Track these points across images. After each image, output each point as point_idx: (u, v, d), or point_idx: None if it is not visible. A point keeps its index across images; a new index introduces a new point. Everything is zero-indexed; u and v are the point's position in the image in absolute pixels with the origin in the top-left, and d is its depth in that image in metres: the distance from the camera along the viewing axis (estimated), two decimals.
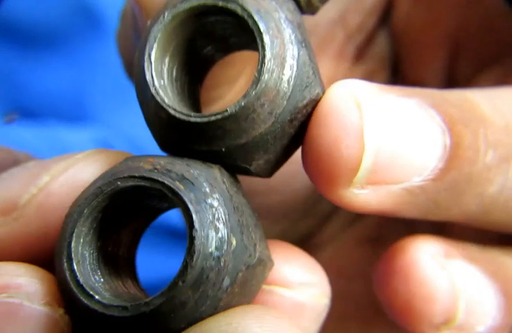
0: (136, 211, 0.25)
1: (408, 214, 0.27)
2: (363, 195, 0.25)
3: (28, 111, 0.66)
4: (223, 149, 0.24)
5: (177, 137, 0.24)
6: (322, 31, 0.34)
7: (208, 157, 0.24)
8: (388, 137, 0.25)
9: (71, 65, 0.66)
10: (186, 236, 0.23)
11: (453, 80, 0.36)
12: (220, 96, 0.32)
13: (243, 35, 0.25)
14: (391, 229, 0.36)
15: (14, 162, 0.29)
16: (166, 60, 0.25)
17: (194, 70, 0.27)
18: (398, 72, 0.37)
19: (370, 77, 0.37)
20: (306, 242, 0.38)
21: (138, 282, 0.26)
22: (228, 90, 0.32)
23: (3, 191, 0.27)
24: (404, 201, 0.26)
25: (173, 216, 0.61)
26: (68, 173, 0.26)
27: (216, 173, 0.24)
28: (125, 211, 0.25)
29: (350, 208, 0.26)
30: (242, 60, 0.31)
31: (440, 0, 0.34)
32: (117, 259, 0.25)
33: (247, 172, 0.25)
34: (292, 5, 0.25)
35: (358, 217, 0.38)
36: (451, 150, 0.26)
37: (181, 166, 0.24)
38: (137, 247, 0.26)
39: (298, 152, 0.26)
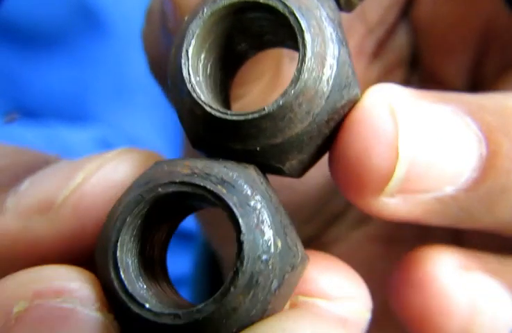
0: (173, 212, 0.25)
1: (438, 223, 0.27)
2: (392, 203, 0.25)
3: (28, 110, 0.65)
4: (258, 148, 0.24)
5: (211, 134, 0.24)
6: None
7: (242, 156, 0.24)
8: (423, 146, 0.24)
9: (71, 65, 0.66)
10: (234, 240, 0.22)
11: (477, 79, 0.36)
12: (244, 94, 0.32)
13: (280, 33, 0.25)
14: (403, 229, 0.36)
15: (44, 162, 0.29)
16: (202, 56, 0.25)
17: (227, 66, 0.27)
18: (417, 68, 0.37)
19: (388, 72, 0.36)
20: (316, 240, 0.37)
21: (172, 284, 0.26)
22: (252, 88, 0.32)
23: (39, 190, 0.27)
24: (435, 210, 0.26)
25: None
26: (100, 173, 0.26)
27: (253, 173, 0.24)
28: (164, 214, 0.25)
29: (379, 216, 0.25)
30: (271, 58, 0.31)
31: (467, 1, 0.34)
32: (153, 263, 0.25)
33: (279, 172, 0.25)
34: (333, 3, 0.25)
35: (369, 216, 0.38)
36: (488, 159, 0.25)
37: (219, 169, 0.23)
38: (168, 247, 0.26)
39: None
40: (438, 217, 0.26)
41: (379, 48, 0.36)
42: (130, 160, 0.27)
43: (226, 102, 0.27)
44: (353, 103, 0.25)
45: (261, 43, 0.27)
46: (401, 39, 0.36)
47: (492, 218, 0.27)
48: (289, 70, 0.32)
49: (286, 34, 0.24)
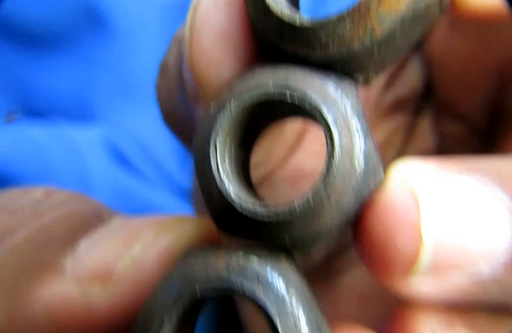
0: (209, 303, 0.25)
1: (474, 301, 0.26)
2: (422, 285, 0.24)
3: (34, 110, 0.65)
4: (287, 240, 0.24)
5: (239, 225, 0.24)
6: None
7: (271, 245, 0.24)
8: (449, 227, 0.23)
9: (76, 64, 0.65)
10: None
11: (498, 112, 0.35)
12: (254, 166, 0.31)
13: (302, 114, 0.25)
14: None
15: (95, 214, 0.30)
16: (227, 142, 0.25)
17: (247, 141, 0.27)
18: (430, 99, 0.36)
19: (399, 104, 0.36)
20: (326, 266, 0.37)
21: None
22: (272, 153, 0.32)
23: (97, 255, 0.27)
24: (470, 289, 0.24)
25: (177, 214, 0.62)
26: (158, 243, 0.26)
27: (285, 263, 0.24)
28: (198, 312, 0.25)
29: (410, 297, 0.25)
30: (274, 130, 0.31)
31: (490, 31, 0.32)
32: None
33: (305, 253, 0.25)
34: (355, 89, 0.25)
35: None
36: None
37: (254, 264, 0.24)
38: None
39: None
40: (475, 296, 0.25)
41: (391, 81, 0.35)
42: (185, 231, 0.27)
43: (248, 175, 0.27)
44: (378, 186, 0.25)
45: (283, 119, 0.27)
46: (413, 71, 0.35)
47: None
48: (312, 130, 0.32)
49: (309, 116, 0.24)
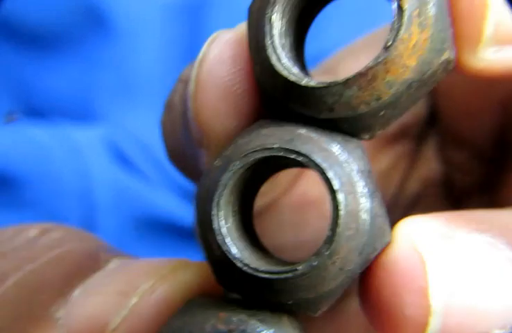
0: None
1: None
2: None
3: (35, 110, 0.65)
4: (290, 302, 0.24)
5: (241, 284, 0.24)
6: None
7: (274, 307, 0.24)
8: (458, 291, 0.23)
9: (77, 64, 0.65)
10: None
11: (504, 141, 0.34)
12: (267, 192, 0.32)
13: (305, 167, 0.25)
14: None
15: (92, 256, 0.29)
16: (231, 199, 0.25)
17: (250, 193, 0.27)
18: (436, 126, 0.36)
19: (404, 130, 0.36)
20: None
21: None
22: (267, 188, 0.31)
23: (92, 307, 0.26)
24: None
25: (178, 214, 0.62)
26: (155, 295, 0.26)
27: (288, 326, 0.24)
28: None
29: None
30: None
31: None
32: None
33: (309, 316, 0.25)
34: (361, 151, 0.25)
35: None
36: None
37: (254, 325, 0.23)
38: None
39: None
40: None
41: None
42: (185, 279, 0.26)
43: (253, 228, 0.27)
44: (385, 247, 0.24)
45: (284, 169, 0.27)
46: None
47: None
48: None
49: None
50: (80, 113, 0.65)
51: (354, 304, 0.36)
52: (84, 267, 0.28)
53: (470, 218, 0.24)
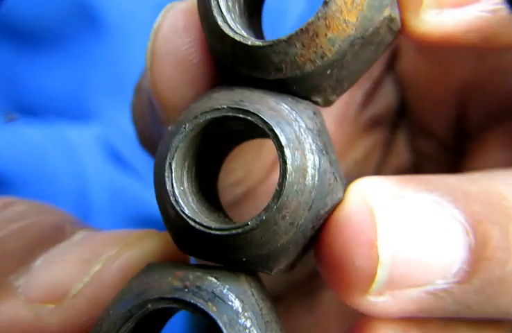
0: (160, 325, 0.25)
1: (437, 316, 0.26)
2: (382, 302, 0.25)
3: (29, 109, 0.65)
4: (244, 259, 0.24)
5: (196, 244, 0.24)
6: None
7: (228, 265, 0.25)
8: (405, 243, 0.24)
9: (71, 63, 0.65)
10: None
11: (463, 130, 0.36)
12: (235, 183, 0.32)
13: (259, 132, 0.25)
14: None
15: (57, 229, 0.29)
16: (186, 163, 0.25)
17: (211, 163, 0.27)
18: (404, 118, 0.37)
19: (375, 122, 0.37)
20: (312, 280, 0.37)
21: None
22: (243, 176, 0.32)
23: (53, 275, 0.26)
24: (429, 305, 0.25)
25: None
26: (118, 262, 0.26)
27: (245, 284, 0.24)
28: (150, 325, 0.25)
29: (371, 315, 0.25)
30: (254, 147, 0.31)
31: (448, 54, 0.34)
32: None
33: (267, 274, 0.25)
34: (311, 111, 0.25)
35: None
36: (477, 251, 0.25)
37: (210, 282, 0.24)
38: None
39: None
40: (436, 311, 0.26)
41: (367, 99, 0.36)
42: (148, 247, 0.27)
43: (215, 197, 0.27)
44: (337, 204, 0.25)
45: (243, 138, 0.28)
46: (387, 91, 0.36)
47: (496, 310, 0.26)
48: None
49: (266, 135, 0.25)
50: (74, 112, 0.65)
51: (328, 295, 0.37)
52: (48, 238, 0.28)
53: (420, 180, 0.25)
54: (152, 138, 0.32)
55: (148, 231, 0.28)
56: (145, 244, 0.27)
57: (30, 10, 0.65)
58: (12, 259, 0.27)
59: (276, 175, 0.33)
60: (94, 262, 0.26)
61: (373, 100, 0.36)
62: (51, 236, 0.28)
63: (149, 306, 0.23)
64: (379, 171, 0.37)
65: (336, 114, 0.35)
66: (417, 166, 0.38)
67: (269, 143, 0.33)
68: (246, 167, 0.33)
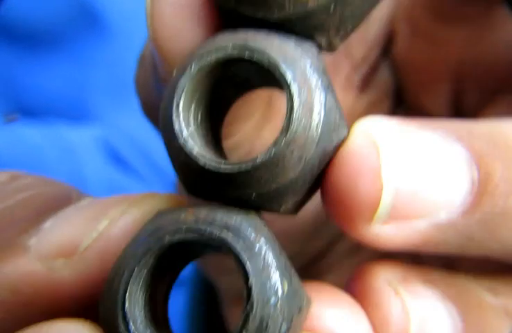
0: (178, 260, 0.26)
1: (440, 250, 0.27)
2: (385, 231, 0.25)
3: (29, 110, 0.65)
4: (254, 195, 0.24)
5: (206, 184, 0.25)
6: (328, 62, 0.35)
7: (238, 203, 0.25)
8: (409, 174, 0.24)
9: (71, 64, 0.66)
10: (242, 284, 0.23)
11: (459, 110, 0.36)
12: (236, 132, 0.32)
13: (266, 77, 0.26)
14: (396, 257, 0.37)
15: (65, 197, 0.29)
16: (192, 107, 0.25)
17: (217, 110, 0.27)
18: (402, 101, 0.37)
19: (374, 106, 0.37)
20: (309, 269, 0.38)
21: (171, 330, 0.26)
22: (243, 125, 0.32)
23: (63, 233, 0.27)
24: (433, 237, 0.26)
25: None
26: (125, 218, 0.26)
27: (256, 218, 0.25)
28: (169, 263, 0.25)
29: (375, 245, 0.26)
30: (260, 96, 0.31)
31: (440, 36, 0.34)
32: (157, 312, 0.26)
33: (275, 212, 0.26)
34: (316, 50, 0.25)
35: (361, 244, 0.38)
36: (480, 184, 0.25)
37: (222, 214, 0.24)
38: (170, 294, 0.26)
39: None
40: (439, 244, 0.26)
41: (365, 83, 0.36)
42: (153, 205, 0.27)
43: (219, 146, 0.27)
44: (342, 142, 0.25)
45: (249, 86, 0.28)
46: (384, 75, 0.36)
47: (497, 244, 0.26)
48: (280, 102, 0.33)
49: (272, 78, 0.25)
50: (74, 112, 0.65)
51: (328, 281, 0.36)
52: (56, 204, 0.28)
53: (423, 120, 0.26)
54: (156, 107, 0.32)
55: (152, 192, 0.28)
56: (150, 201, 0.27)
57: (30, 10, 0.66)
58: (22, 223, 0.28)
59: (267, 131, 0.34)
60: (101, 219, 0.27)
61: (370, 86, 0.36)
62: (59, 202, 0.29)
63: (166, 238, 0.24)
64: None
65: None
66: None
67: (271, 118, 0.33)
68: (248, 143, 0.33)
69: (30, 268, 0.26)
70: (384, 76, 0.37)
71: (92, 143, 0.63)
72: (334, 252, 0.38)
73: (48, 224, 0.27)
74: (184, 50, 0.26)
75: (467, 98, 0.36)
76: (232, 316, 0.40)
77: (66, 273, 0.26)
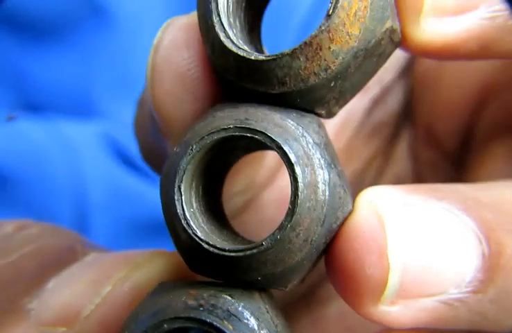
0: None
1: (452, 327, 0.26)
2: (394, 311, 0.24)
3: (32, 104, 0.64)
4: (260, 278, 0.24)
5: (210, 265, 0.24)
6: None
7: (244, 284, 0.25)
8: (416, 251, 0.24)
9: (76, 57, 0.65)
10: None
11: (469, 138, 0.35)
12: (238, 193, 0.32)
13: (263, 145, 0.25)
14: None
15: (69, 251, 0.29)
16: (194, 184, 0.25)
17: (216, 178, 0.27)
18: (406, 125, 0.37)
19: (378, 129, 0.36)
20: (314, 294, 0.37)
21: None
22: (245, 186, 0.32)
23: (64, 297, 0.26)
24: (443, 314, 0.25)
25: None
26: (129, 283, 0.26)
27: (259, 301, 0.24)
28: None
29: (383, 325, 0.25)
30: (255, 157, 0.31)
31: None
32: None
33: (280, 290, 0.25)
34: (316, 124, 0.25)
35: None
36: (491, 259, 0.24)
37: (225, 300, 0.24)
38: None
39: None
40: (450, 322, 0.25)
41: (374, 106, 0.36)
42: (158, 268, 0.27)
43: (221, 213, 0.27)
44: (347, 215, 0.25)
45: (248, 151, 0.28)
46: (396, 97, 0.36)
47: (511, 321, 0.25)
48: None
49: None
50: (78, 106, 0.66)
51: (333, 310, 0.36)
52: (60, 260, 0.28)
53: (428, 188, 0.25)
54: (154, 152, 0.33)
55: (158, 251, 0.28)
56: (155, 264, 0.27)
57: (34, 3, 0.64)
58: (25, 281, 0.28)
59: (278, 182, 0.34)
60: (104, 283, 0.26)
61: (379, 107, 0.36)
62: (64, 258, 0.28)
63: (165, 326, 0.23)
64: (378, 178, 0.37)
65: (336, 122, 0.35)
66: (418, 174, 0.37)
67: (269, 152, 0.33)
68: (247, 176, 0.33)
69: None
70: (395, 99, 0.36)
71: (95, 141, 0.62)
72: None
73: (51, 284, 0.27)
74: (184, 117, 0.27)
75: (479, 127, 0.35)
76: None
77: None
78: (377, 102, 0.36)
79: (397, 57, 0.35)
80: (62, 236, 0.31)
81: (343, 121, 0.35)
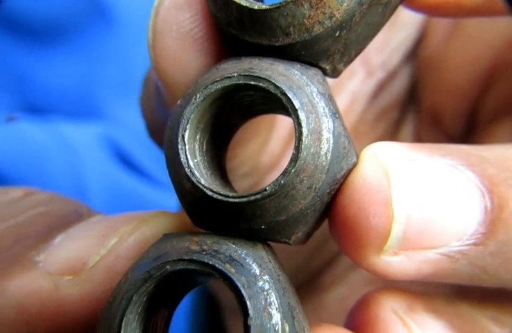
0: (178, 288, 0.25)
1: (452, 280, 0.26)
2: (396, 262, 0.25)
3: (33, 106, 0.64)
4: (263, 227, 0.24)
5: (213, 215, 0.24)
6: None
7: (247, 234, 0.24)
8: (420, 203, 0.24)
9: (77, 59, 0.65)
10: (242, 321, 0.22)
11: (472, 119, 0.35)
12: (238, 154, 0.32)
13: (270, 104, 0.25)
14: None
15: (76, 214, 0.30)
16: (198, 136, 0.25)
17: (221, 138, 0.27)
18: (411, 109, 0.37)
19: (384, 113, 0.36)
20: (313, 283, 0.37)
21: None
22: (246, 148, 0.32)
23: (72, 249, 0.27)
24: (444, 267, 0.25)
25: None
26: (134, 236, 0.27)
27: (262, 251, 0.24)
28: (169, 291, 0.25)
29: (385, 276, 0.25)
30: (263, 120, 0.31)
31: (479, 39, 0.33)
32: None
33: (284, 243, 0.25)
34: (321, 77, 0.25)
35: None
36: (493, 213, 0.24)
37: (228, 246, 0.24)
38: (170, 323, 0.26)
39: None
40: (449, 275, 0.25)
41: (379, 90, 0.36)
42: (163, 224, 0.27)
43: (223, 173, 0.27)
44: (351, 169, 0.25)
45: (252, 113, 0.27)
46: (401, 81, 0.36)
47: (510, 274, 0.26)
48: (284, 119, 0.32)
49: (277, 105, 0.24)
50: (81, 108, 0.66)
51: (333, 295, 0.37)
52: (67, 220, 0.29)
53: (432, 146, 0.25)
54: (160, 129, 0.32)
55: (163, 210, 0.28)
56: (160, 220, 0.27)
57: (37, 5, 0.64)
58: (32, 238, 0.28)
59: (283, 165, 0.33)
60: (110, 236, 0.27)
61: (384, 91, 0.36)
62: (70, 219, 0.29)
63: (167, 267, 0.23)
64: None
65: (342, 106, 0.35)
66: None
67: (274, 134, 0.33)
68: (253, 160, 0.33)
69: (36, 284, 0.26)
70: (400, 82, 0.36)
71: (96, 142, 0.62)
72: (337, 267, 0.37)
73: (57, 240, 0.28)
74: (187, 79, 0.26)
75: (484, 107, 0.35)
76: (232, 325, 0.40)
77: (73, 290, 0.26)
78: (382, 86, 0.36)
79: (402, 41, 0.35)
80: (68, 201, 0.32)
81: (349, 105, 0.35)
